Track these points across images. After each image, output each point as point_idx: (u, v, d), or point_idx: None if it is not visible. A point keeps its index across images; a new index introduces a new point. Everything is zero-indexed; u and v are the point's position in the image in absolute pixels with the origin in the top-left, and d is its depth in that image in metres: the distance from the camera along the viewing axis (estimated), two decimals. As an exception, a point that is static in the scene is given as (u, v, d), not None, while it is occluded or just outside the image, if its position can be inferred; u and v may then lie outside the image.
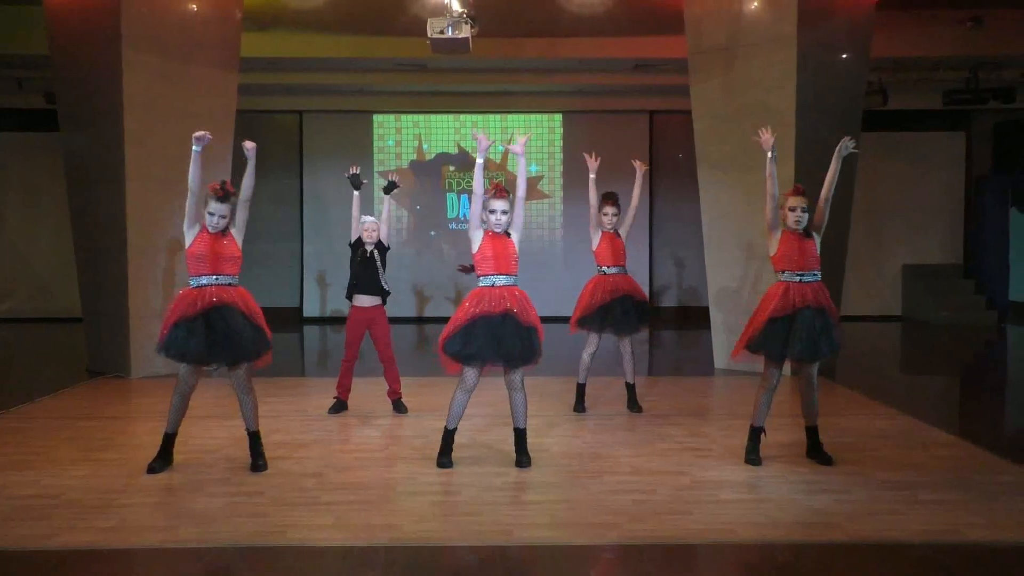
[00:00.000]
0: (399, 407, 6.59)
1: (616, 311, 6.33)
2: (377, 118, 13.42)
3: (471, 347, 4.87)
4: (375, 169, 13.16)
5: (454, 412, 5.13)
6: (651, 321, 6.62)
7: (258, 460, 5.07)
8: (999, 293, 13.30)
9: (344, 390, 6.60)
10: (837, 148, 5.16)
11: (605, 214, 6.41)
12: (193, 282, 4.91)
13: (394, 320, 6.60)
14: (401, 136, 13.48)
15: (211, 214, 4.88)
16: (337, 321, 12.71)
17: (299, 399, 7.16)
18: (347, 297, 6.51)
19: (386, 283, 6.44)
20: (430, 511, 4.39)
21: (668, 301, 13.67)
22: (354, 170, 6.51)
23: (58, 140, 8.73)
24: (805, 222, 5.06)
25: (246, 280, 5.11)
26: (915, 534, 4.05)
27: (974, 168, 13.65)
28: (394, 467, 5.18)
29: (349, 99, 13.04)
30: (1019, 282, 13.46)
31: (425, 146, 13.47)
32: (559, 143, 13.48)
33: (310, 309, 13.37)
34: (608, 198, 6.42)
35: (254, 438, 5.11)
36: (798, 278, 5.05)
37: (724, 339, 8.73)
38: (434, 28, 7.42)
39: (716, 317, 8.86)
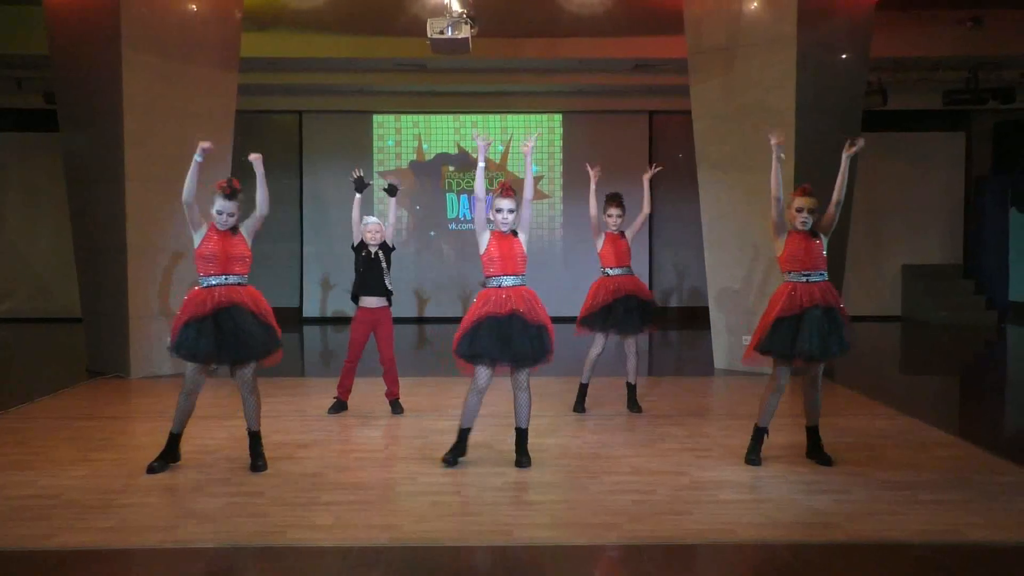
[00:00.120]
0: (396, 407, 6.60)
1: (618, 311, 6.34)
2: (377, 118, 13.41)
3: (477, 346, 4.89)
4: (375, 169, 13.16)
5: (467, 412, 5.13)
6: (652, 321, 6.60)
7: (258, 460, 5.07)
8: (999, 293, 13.29)
9: (345, 391, 6.60)
10: (844, 151, 5.03)
11: (609, 215, 6.41)
12: (203, 282, 4.90)
13: (394, 320, 6.61)
14: (401, 136, 13.48)
15: (219, 212, 4.85)
16: (337, 321, 12.72)
17: (299, 399, 7.16)
18: (352, 299, 6.52)
19: (390, 284, 6.45)
20: (430, 511, 4.38)
21: (668, 301, 13.65)
22: (358, 173, 6.50)
23: (58, 140, 8.73)
24: (812, 223, 5.05)
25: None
26: (915, 534, 4.05)
27: (974, 168, 13.64)
28: (394, 467, 5.18)
29: (349, 99, 13.04)
30: (1019, 282, 13.45)
31: (425, 146, 13.47)
32: (559, 143, 13.47)
33: (310, 309, 13.38)
34: (612, 199, 6.42)
35: (255, 438, 5.10)
36: (804, 278, 5.04)
37: (724, 339, 8.73)
38: (434, 28, 7.42)
39: (716, 317, 8.85)
